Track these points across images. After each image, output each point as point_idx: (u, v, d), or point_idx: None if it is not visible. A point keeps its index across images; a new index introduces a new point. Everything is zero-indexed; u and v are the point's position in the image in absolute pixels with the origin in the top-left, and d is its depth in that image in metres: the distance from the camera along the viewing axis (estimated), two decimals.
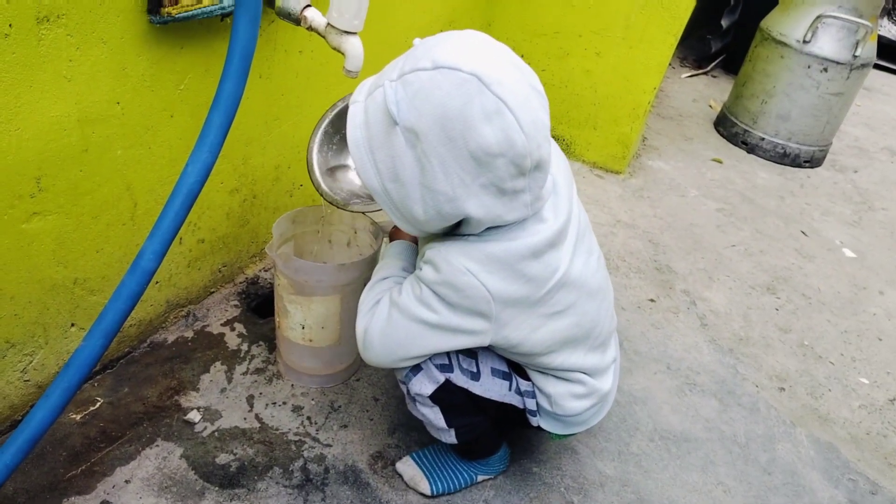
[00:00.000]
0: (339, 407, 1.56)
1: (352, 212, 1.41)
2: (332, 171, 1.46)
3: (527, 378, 1.30)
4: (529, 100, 0.99)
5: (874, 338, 2.20)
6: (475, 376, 1.26)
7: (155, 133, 1.37)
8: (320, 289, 1.44)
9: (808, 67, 3.02)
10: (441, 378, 1.24)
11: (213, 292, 1.78)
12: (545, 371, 1.27)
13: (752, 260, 2.46)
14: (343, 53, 1.38)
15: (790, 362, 2.01)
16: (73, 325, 1.39)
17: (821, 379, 1.98)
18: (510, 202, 1.05)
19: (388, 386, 1.64)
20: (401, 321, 1.17)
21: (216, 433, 1.44)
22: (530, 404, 1.30)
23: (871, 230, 2.85)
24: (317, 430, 1.49)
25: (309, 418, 1.52)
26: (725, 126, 3.40)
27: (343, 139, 1.46)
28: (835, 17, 2.92)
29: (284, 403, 1.54)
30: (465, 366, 1.26)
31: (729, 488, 1.58)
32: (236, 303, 1.78)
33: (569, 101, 2.71)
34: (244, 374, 1.59)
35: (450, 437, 1.31)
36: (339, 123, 1.43)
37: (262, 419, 1.49)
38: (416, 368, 1.24)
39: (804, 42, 2.99)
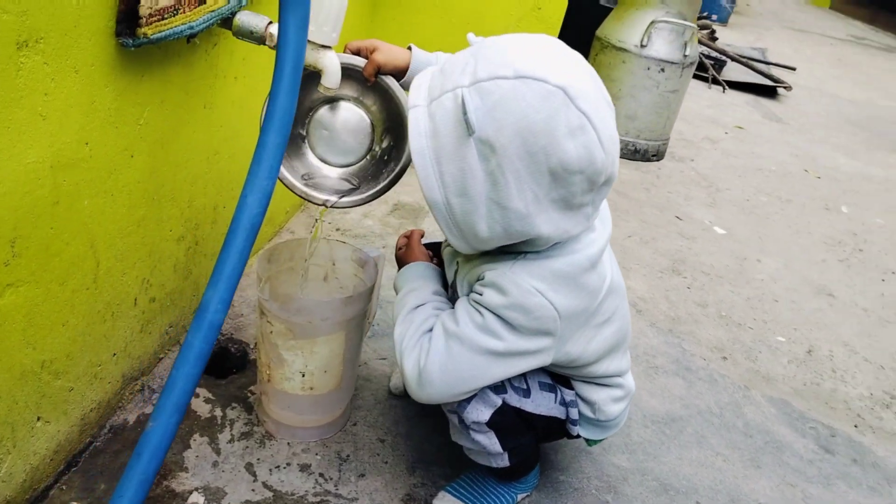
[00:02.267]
0: (348, 456, 1.42)
1: (338, 207, 1.35)
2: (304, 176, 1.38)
3: (569, 387, 1.26)
4: (606, 114, 0.97)
5: (772, 300, 2.42)
6: (527, 393, 1.21)
7: (117, 177, 1.17)
8: (325, 328, 1.31)
9: (648, 69, 3.28)
10: (498, 401, 1.17)
11: (162, 358, 1.55)
12: (590, 380, 1.25)
13: (649, 247, 2.61)
14: (321, 70, 1.27)
15: (719, 333, 2.15)
16: (38, 418, 1.14)
17: (749, 343, 2.13)
18: (574, 216, 1.02)
19: (388, 424, 1.52)
20: (463, 354, 1.08)
21: None
22: (573, 414, 1.27)
23: (725, 209, 3.14)
24: (336, 486, 1.35)
25: (322, 475, 1.37)
26: None
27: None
28: (665, 22, 3.21)
29: (288, 465, 1.37)
30: (516, 384, 1.20)
31: (726, 457, 1.64)
32: None
33: None
34: (230, 441, 1.40)
35: (502, 461, 1.24)
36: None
37: (272, 486, 1.32)
38: (470, 396, 1.16)
39: (642, 46, 3.25)
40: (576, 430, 1.30)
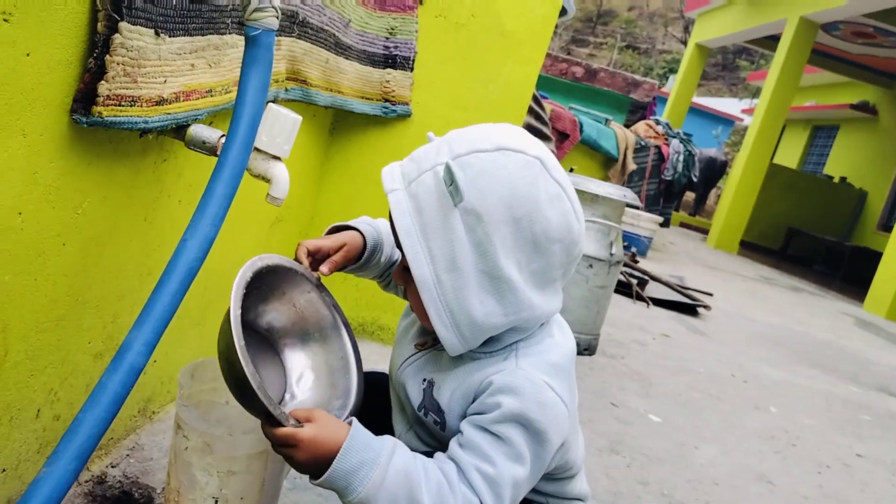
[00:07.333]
0: None
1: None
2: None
3: None
4: (572, 188, 1.02)
5: (712, 483, 2.35)
6: None
7: (44, 261, 1.12)
8: (246, 443, 1.20)
9: (578, 264, 3.44)
10: None
11: None
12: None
13: (586, 427, 2.56)
14: (269, 180, 1.30)
15: None
16: None
17: None
18: (549, 288, 1.03)
19: None
20: (509, 494, 0.97)
21: None
22: None
23: (659, 400, 3.14)
24: None
25: None
26: None
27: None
28: (592, 222, 3.43)
29: None
30: None
31: None
32: None
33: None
34: None
35: None
36: (246, 302, 1.00)
37: None
38: None
39: None
40: None
